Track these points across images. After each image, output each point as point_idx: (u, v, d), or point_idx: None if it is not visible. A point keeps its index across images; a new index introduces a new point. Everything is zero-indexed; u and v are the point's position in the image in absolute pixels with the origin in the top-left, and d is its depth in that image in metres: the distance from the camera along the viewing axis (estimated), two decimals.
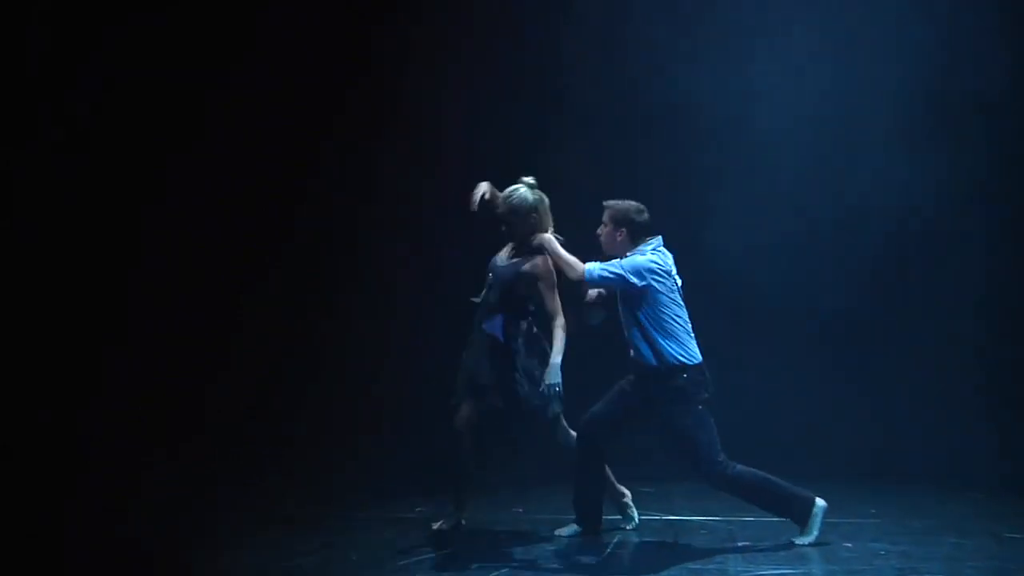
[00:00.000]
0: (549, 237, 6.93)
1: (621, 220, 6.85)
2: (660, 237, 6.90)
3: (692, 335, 6.83)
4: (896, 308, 9.51)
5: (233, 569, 6.35)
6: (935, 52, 9.16)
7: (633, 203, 6.88)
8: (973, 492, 8.19)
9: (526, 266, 6.96)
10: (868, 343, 9.50)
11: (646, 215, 6.87)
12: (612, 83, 9.58)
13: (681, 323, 6.79)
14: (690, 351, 6.78)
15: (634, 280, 6.71)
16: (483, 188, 7.06)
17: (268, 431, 9.08)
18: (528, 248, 6.99)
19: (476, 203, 7.00)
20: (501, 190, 7.11)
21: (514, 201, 6.98)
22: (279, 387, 9.37)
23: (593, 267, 6.75)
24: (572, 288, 6.98)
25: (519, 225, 7.00)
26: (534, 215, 6.98)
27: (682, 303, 6.86)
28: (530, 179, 7.05)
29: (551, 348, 6.85)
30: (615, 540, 6.96)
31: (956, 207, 9.34)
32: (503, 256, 7.12)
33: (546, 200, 7.05)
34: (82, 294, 9.01)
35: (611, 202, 6.91)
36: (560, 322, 6.86)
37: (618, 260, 6.79)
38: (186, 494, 7.98)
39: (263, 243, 9.44)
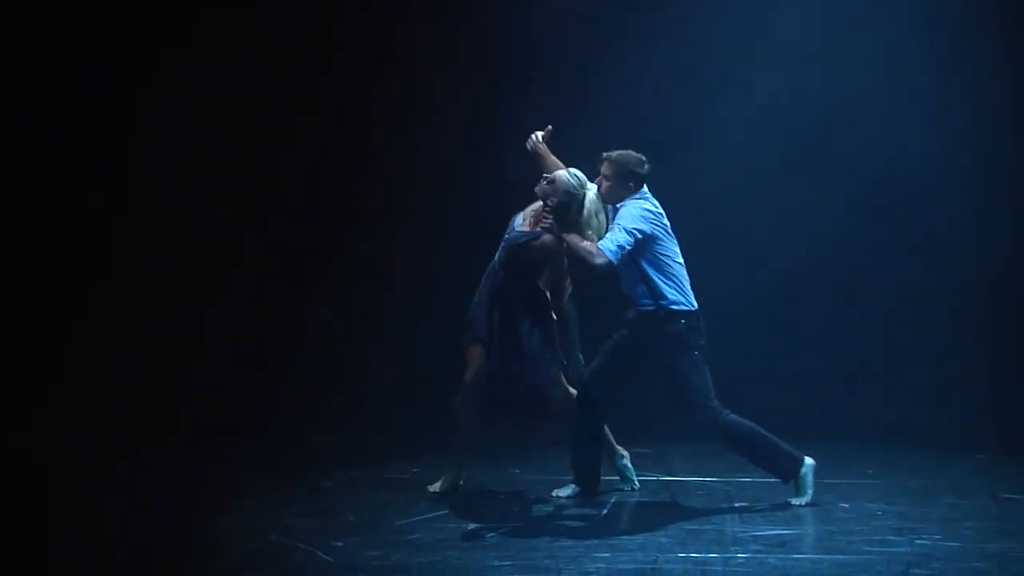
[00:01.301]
0: (572, 235, 6.73)
1: (628, 174, 6.80)
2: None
3: (688, 281, 6.83)
4: (899, 271, 9.51)
5: (231, 531, 6.37)
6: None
7: (634, 154, 6.84)
8: (973, 453, 8.21)
9: (535, 241, 6.89)
10: (871, 306, 9.52)
11: (648, 166, 6.85)
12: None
13: (678, 266, 6.81)
14: (688, 297, 6.80)
15: (645, 231, 6.69)
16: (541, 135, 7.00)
17: (264, 396, 9.12)
18: (541, 220, 6.87)
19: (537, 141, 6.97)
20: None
21: (563, 187, 6.80)
22: (276, 354, 9.41)
23: (608, 246, 6.62)
24: None
25: (559, 208, 6.80)
26: (576, 216, 6.80)
27: (677, 245, 6.85)
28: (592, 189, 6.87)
29: (555, 322, 6.92)
30: (612, 501, 7.00)
31: (964, 175, 9.41)
32: (520, 219, 7.04)
33: (594, 212, 6.83)
34: (83, 290, 9.08)
35: (613, 154, 6.84)
36: (566, 298, 6.93)
37: (618, 223, 6.70)
38: (183, 460, 8.04)
39: (261, 235, 9.52)
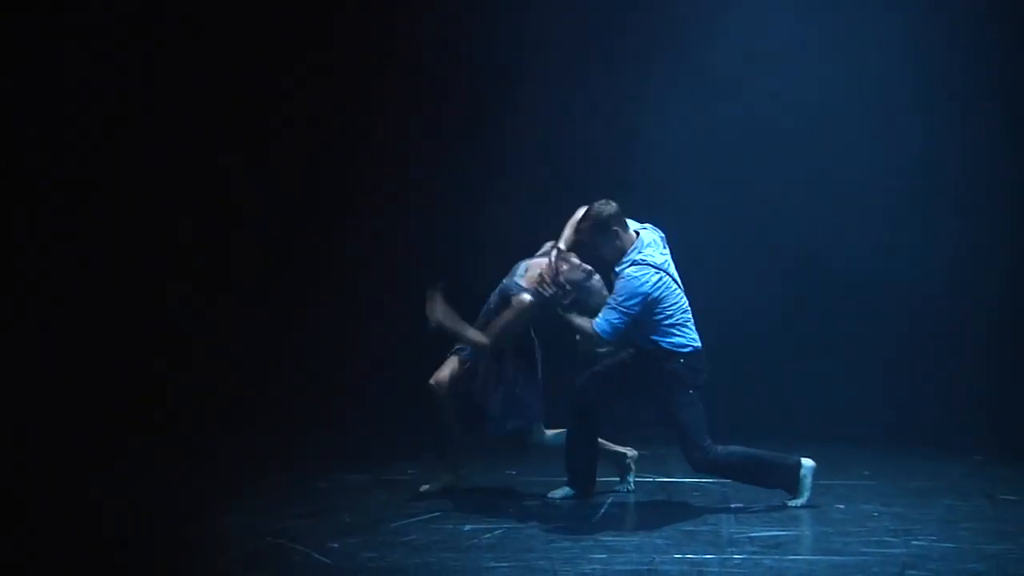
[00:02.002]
0: (574, 316, 6.71)
1: (605, 225, 6.69)
2: (638, 226, 6.79)
3: (691, 320, 6.77)
4: (897, 273, 9.49)
5: (229, 532, 6.40)
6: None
7: (595, 204, 6.73)
8: (970, 455, 8.21)
9: (512, 296, 6.84)
10: (868, 306, 9.53)
11: (613, 203, 6.73)
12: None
13: (679, 313, 6.73)
14: (688, 337, 6.74)
15: (640, 307, 6.62)
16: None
17: (258, 399, 9.12)
18: (540, 286, 6.80)
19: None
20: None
21: (591, 292, 6.73)
22: (275, 354, 9.41)
23: (603, 326, 6.60)
24: None
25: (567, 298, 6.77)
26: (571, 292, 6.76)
27: (679, 290, 6.79)
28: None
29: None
30: (608, 501, 7.00)
31: (963, 176, 9.45)
32: (523, 269, 6.92)
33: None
34: (83, 289, 9.09)
35: (582, 223, 6.75)
36: (481, 337, 6.78)
37: (613, 298, 6.63)
38: (179, 463, 8.03)
39: (261, 235, 9.54)
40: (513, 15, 9.49)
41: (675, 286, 6.76)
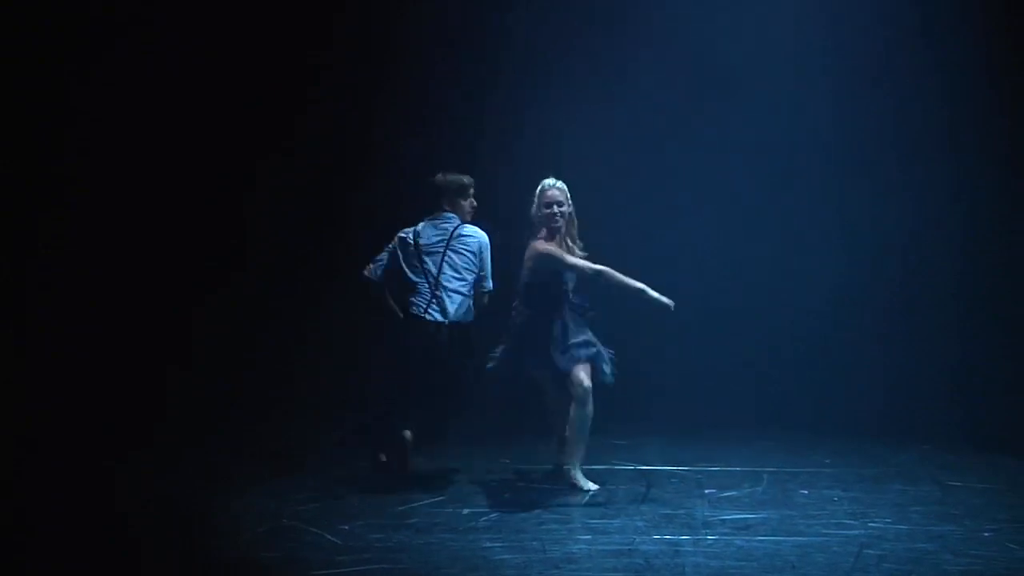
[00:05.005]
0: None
1: (463, 190, 7.41)
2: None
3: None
4: (850, 269, 9.49)
5: (246, 515, 6.43)
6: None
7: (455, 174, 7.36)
8: (920, 444, 8.26)
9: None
10: (827, 303, 9.48)
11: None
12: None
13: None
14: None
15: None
16: None
17: (268, 388, 9.10)
18: None
19: None
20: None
21: None
22: (279, 345, 9.37)
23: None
24: None
25: None
26: None
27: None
28: None
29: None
30: (593, 489, 6.98)
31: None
32: None
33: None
34: (89, 284, 8.96)
35: (446, 180, 7.36)
36: None
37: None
38: (195, 448, 8.04)
39: (265, 229, 9.44)
40: (515, 13, 9.38)
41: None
